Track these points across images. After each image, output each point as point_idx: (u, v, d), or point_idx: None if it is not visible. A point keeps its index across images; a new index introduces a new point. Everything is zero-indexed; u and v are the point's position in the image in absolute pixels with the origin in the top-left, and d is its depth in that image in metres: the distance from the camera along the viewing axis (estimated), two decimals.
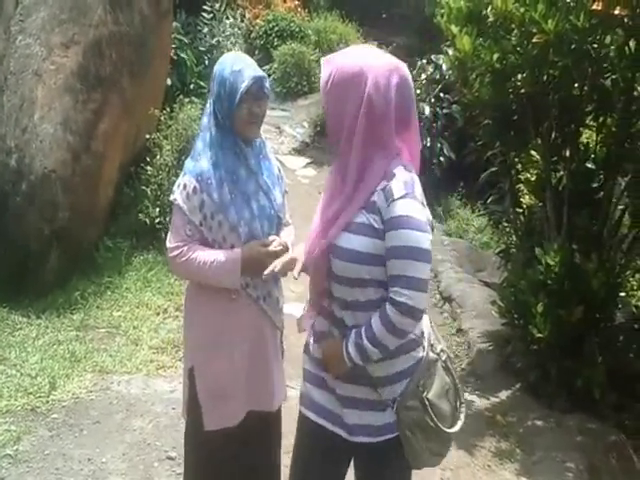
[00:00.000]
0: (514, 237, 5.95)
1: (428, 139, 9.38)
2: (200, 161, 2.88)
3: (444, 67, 9.60)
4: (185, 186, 2.86)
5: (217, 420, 2.98)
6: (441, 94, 9.62)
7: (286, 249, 2.88)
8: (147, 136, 7.17)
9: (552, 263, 4.65)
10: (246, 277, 2.88)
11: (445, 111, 9.52)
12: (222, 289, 2.90)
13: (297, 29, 13.58)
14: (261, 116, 2.90)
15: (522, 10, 4.68)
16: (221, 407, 2.97)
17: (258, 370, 3.00)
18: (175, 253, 2.89)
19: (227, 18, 10.90)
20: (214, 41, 10.29)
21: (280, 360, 3.16)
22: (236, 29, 11.52)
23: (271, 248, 2.85)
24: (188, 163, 2.92)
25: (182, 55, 9.02)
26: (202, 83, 9.19)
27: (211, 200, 2.83)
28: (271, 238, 2.91)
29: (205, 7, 10.36)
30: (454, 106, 9.30)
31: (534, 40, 4.64)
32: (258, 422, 3.04)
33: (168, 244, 2.92)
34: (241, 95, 2.80)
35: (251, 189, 2.90)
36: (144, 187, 6.90)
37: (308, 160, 10.76)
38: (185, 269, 2.92)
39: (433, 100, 9.64)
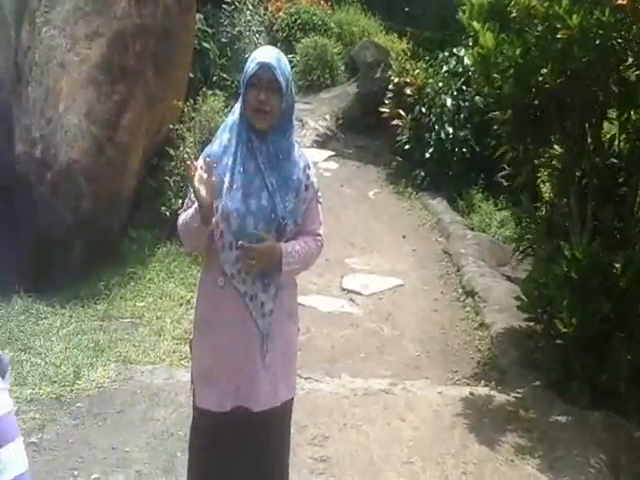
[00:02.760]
0: (535, 232, 5.91)
1: (450, 130, 9.37)
2: (214, 143, 2.94)
3: (466, 60, 9.58)
4: (198, 162, 2.88)
5: (205, 399, 2.98)
6: (463, 87, 9.58)
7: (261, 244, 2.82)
8: (170, 128, 7.20)
9: (579, 257, 4.63)
10: (230, 266, 2.86)
11: (467, 104, 9.47)
12: (213, 272, 2.92)
13: (319, 22, 13.56)
14: (268, 106, 2.82)
15: (546, 5, 4.64)
16: (208, 388, 2.97)
17: (243, 366, 2.94)
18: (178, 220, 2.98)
19: (249, 10, 10.88)
20: (236, 32, 10.28)
21: (269, 364, 2.95)
22: (258, 21, 11.51)
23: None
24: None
25: (205, 46, 9.01)
26: (225, 75, 9.19)
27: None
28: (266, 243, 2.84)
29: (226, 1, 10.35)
30: (477, 98, 9.27)
31: (558, 35, 4.59)
32: (248, 422, 2.97)
33: None
34: (248, 80, 2.82)
35: (255, 186, 2.85)
36: (167, 178, 6.93)
37: (330, 153, 10.78)
38: (179, 230, 2.97)
39: (455, 93, 9.60)
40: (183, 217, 2.92)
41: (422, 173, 9.63)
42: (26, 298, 5.68)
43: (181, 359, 5.09)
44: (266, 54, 2.87)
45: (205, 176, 2.71)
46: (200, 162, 2.83)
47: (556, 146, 5.44)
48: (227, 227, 2.84)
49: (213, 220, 2.82)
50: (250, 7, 10.79)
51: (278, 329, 2.97)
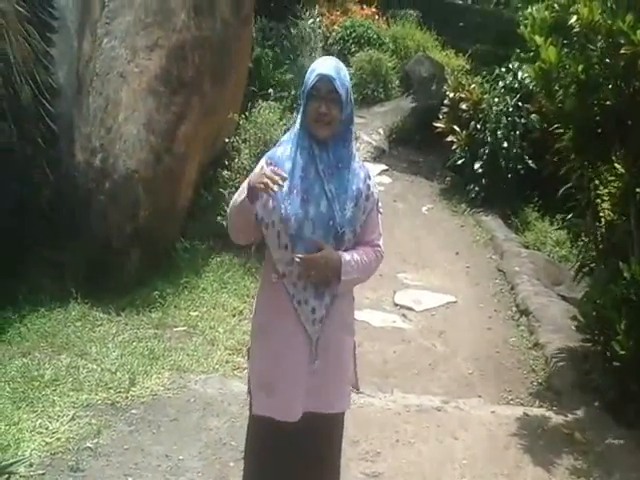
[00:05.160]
0: (594, 252, 5.82)
1: (505, 146, 9.28)
2: (278, 148, 2.98)
3: (519, 75, 9.53)
4: (259, 164, 2.95)
5: (261, 407, 3.00)
6: (519, 103, 9.49)
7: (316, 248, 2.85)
8: (226, 140, 7.27)
9: (638, 279, 4.54)
10: (283, 265, 2.87)
11: (524, 120, 9.38)
12: (269, 271, 2.94)
13: (374, 36, 13.57)
14: (329, 117, 2.86)
15: (609, 20, 4.58)
16: (264, 395, 2.99)
17: (294, 372, 2.95)
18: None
19: (308, 25, 10.97)
20: (292, 46, 10.37)
21: (317, 371, 2.94)
22: (314, 35, 11.59)
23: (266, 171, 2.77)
24: None
25: (262, 60, 9.10)
26: (280, 88, 9.24)
27: None
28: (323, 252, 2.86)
29: (285, 14, 10.44)
30: (533, 115, 9.21)
31: (621, 51, 4.53)
32: (297, 429, 2.97)
33: None
34: (308, 92, 2.86)
35: (315, 192, 2.88)
36: (222, 190, 6.98)
37: (383, 167, 10.77)
38: (228, 213, 3.03)
39: (511, 109, 9.51)
40: (234, 197, 2.96)
41: (476, 189, 9.56)
42: (83, 304, 5.75)
43: (234, 369, 5.12)
44: (325, 65, 2.90)
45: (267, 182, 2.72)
46: (263, 163, 2.91)
47: (617, 165, 5.36)
48: (285, 230, 2.86)
49: (270, 219, 2.85)
50: (310, 21, 10.87)
51: (332, 338, 2.97)
